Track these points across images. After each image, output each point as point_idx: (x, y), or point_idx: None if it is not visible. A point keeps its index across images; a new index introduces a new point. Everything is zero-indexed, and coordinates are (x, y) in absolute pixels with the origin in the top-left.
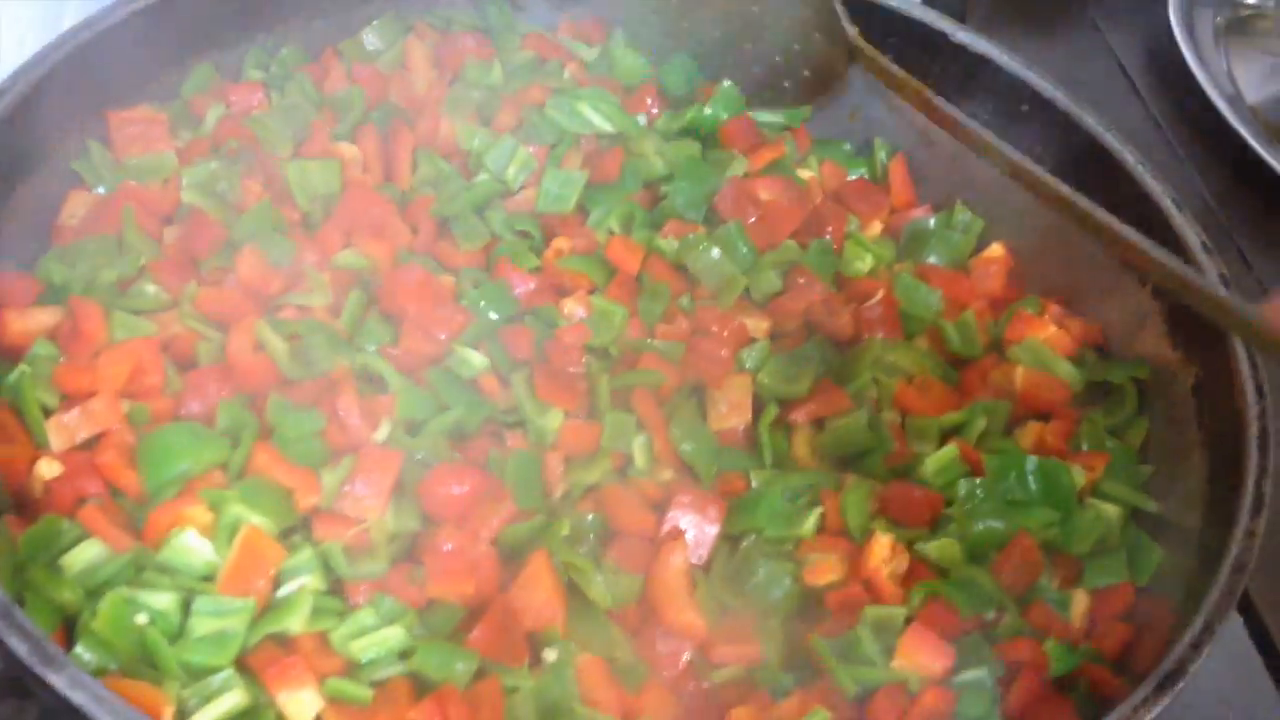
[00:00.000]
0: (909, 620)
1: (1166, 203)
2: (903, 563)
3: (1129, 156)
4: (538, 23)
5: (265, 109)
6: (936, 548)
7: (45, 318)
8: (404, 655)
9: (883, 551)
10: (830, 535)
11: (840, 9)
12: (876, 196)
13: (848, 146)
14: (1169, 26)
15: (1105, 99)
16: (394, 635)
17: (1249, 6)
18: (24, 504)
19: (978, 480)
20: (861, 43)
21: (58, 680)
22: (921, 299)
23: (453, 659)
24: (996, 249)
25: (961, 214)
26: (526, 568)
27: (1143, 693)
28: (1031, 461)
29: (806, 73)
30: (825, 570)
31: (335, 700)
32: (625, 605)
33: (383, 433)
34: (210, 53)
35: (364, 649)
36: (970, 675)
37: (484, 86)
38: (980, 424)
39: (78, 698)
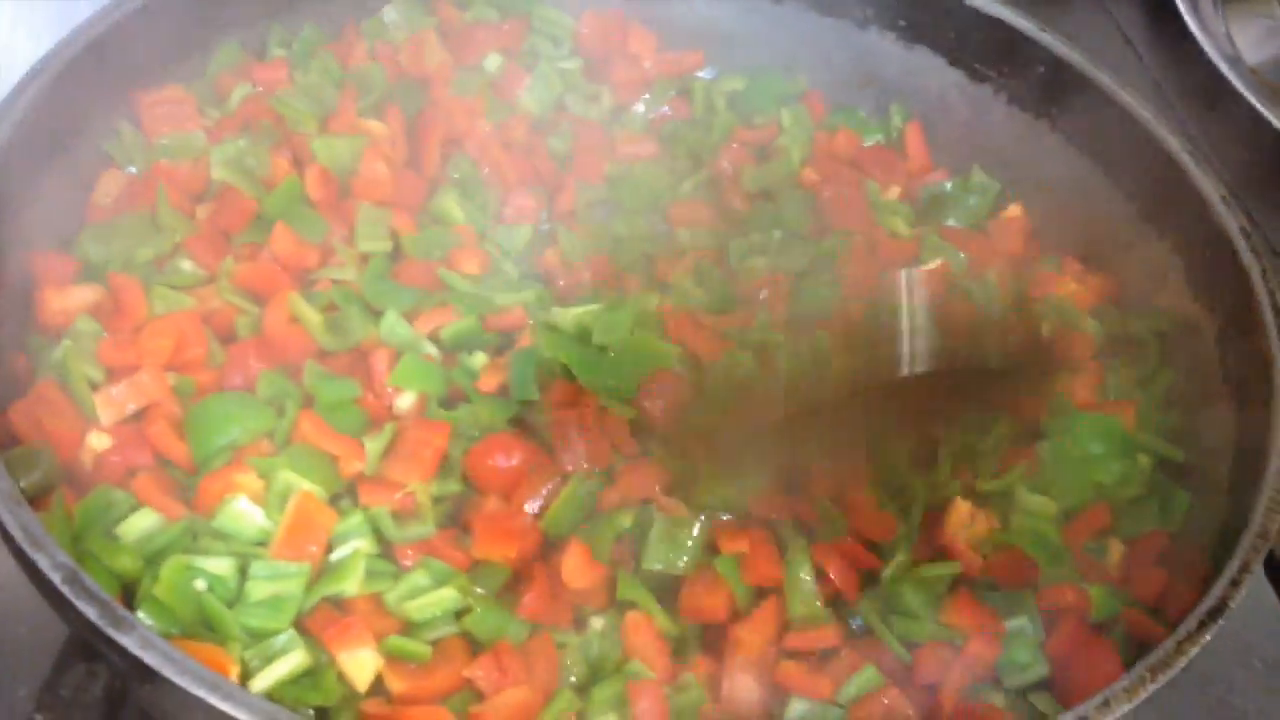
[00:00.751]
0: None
1: (1185, 158)
2: (981, 528)
3: (1146, 114)
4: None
5: (289, 87)
6: (1038, 503)
7: (86, 295)
8: (458, 615)
9: (962, 517)
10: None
11: None
12: (893, 162)
13: (862, 113)
14: None
15: (1109, 65)
16: (448, 596)
17: None
18: (76, 477)
19: (1048, 441)
20: None
21: (128, 641)
22: (949, 260)
23: (506, 621)
24: (1014, 209)
25: (978, 177)
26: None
27: (1185, 630)
28: (1090, 419)
29: None
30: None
31: (393, 658)
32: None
33: (405, 401)
34: (235, 31)
35: (419, 609)
36: (1014, 623)
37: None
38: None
39: (149, 658)
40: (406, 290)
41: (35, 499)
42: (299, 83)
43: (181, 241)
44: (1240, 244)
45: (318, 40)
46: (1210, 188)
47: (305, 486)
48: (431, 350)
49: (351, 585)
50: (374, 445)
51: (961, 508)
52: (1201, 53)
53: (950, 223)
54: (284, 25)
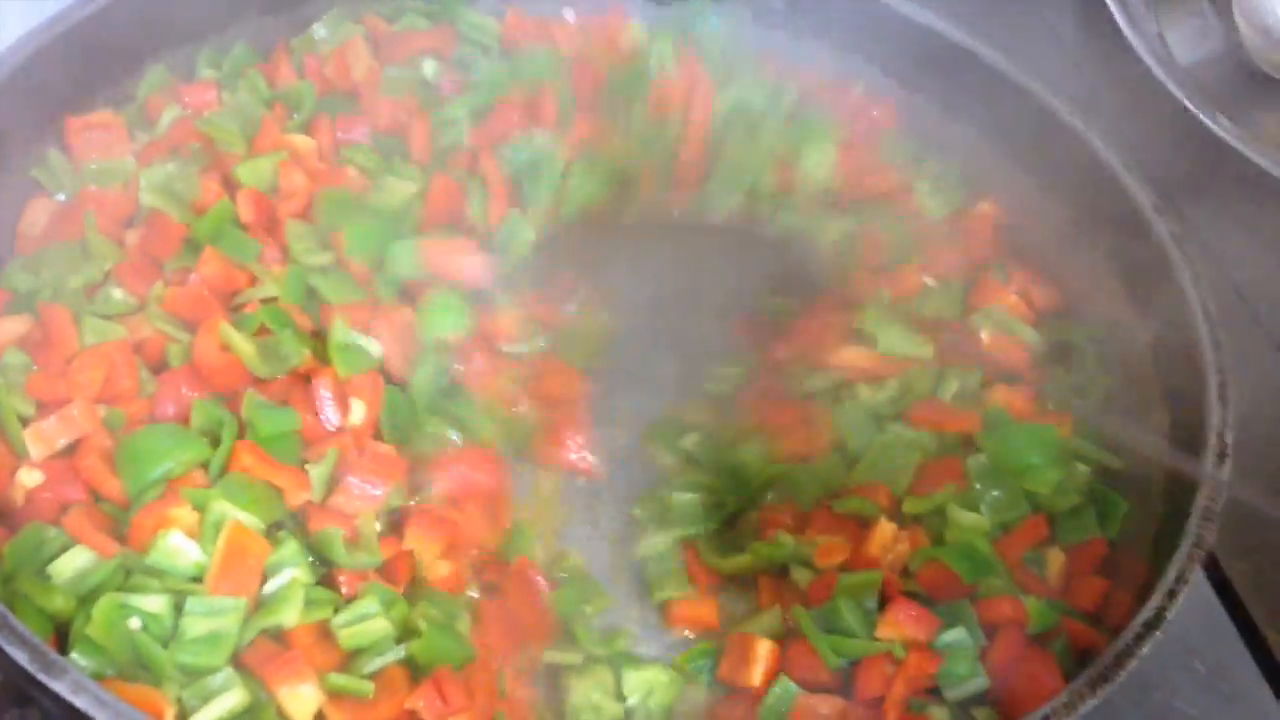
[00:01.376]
0: (888, 586)
1: (1116, 166)
2: (904, 551)
3: (1077, 122)
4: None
5: (217, 108)
6: (971, 520)
7: (15, 326)
8: (399, 641)
9: (884, 539)
10: (838, 517)
11: None
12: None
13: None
14: None
15: (1038, 62)
16: (394, 619)
17: None
18: (6, 514)
19: (982, 455)
20: None
21: (60, 686)
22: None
23: (452, 646)
24: (985, 206)
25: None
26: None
27: (1123, 641)
28: (1026, 429)
29: None
30: (833, 552)
31: (335, 694)
32: None
33: (357, 415)
34: (164, 54)
35: (362, 635)
36: (952, 636)
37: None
38: (953, 385)
39: (80, 702)
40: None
41: None
42: (227, 103)
43: (111, 269)
44: (1172, 250)
45: (247, 60)
46: (1142, 195)
47: (240, 517)
48: (376, 351)
49: (290, 616)
50: (319, 472)
51: (885, 529)
52: (1133, 53)
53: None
54: (214, 47)
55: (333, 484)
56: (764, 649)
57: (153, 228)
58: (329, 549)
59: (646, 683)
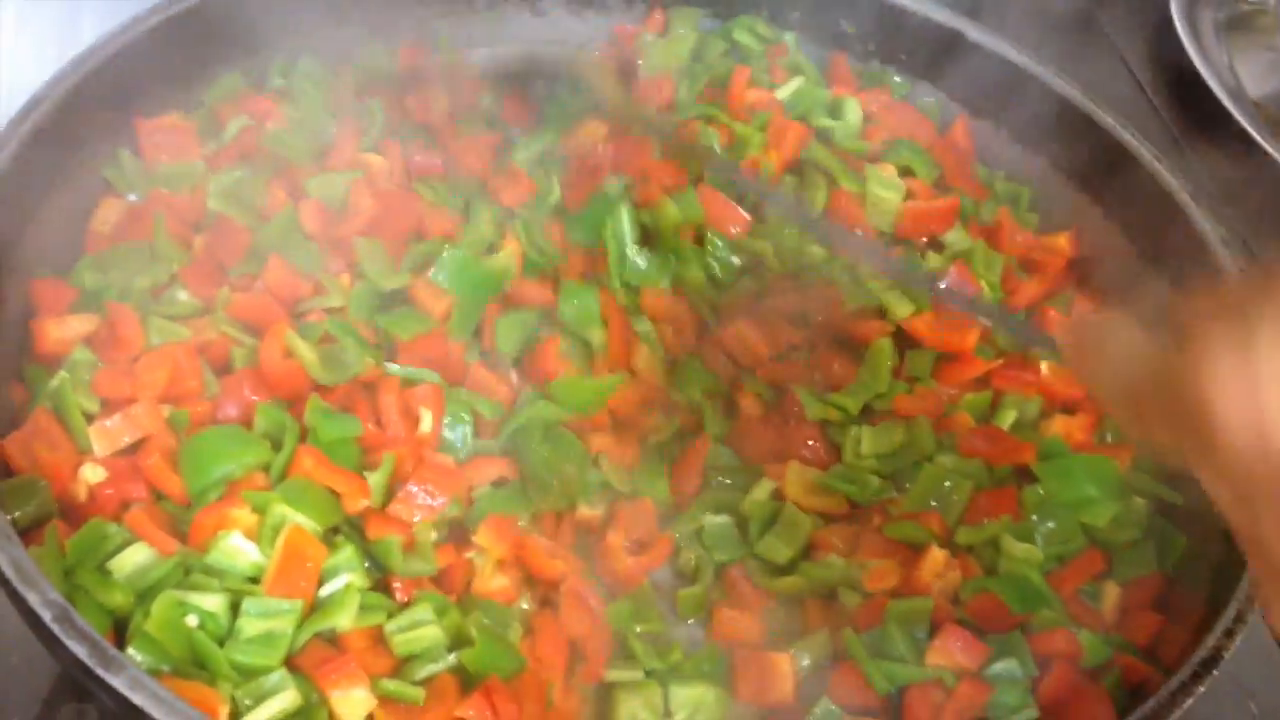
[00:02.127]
0: (939, 614)
1: (1184, 197)
2: (955, 578)
3: (1146, 153)
4: None
5: (282, 121)
6: (1024, 551)
7: (82, 324)
8: (450, 649)
9: (935, 565)
10: (890, 542)
11: None
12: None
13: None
14: (1171, 22)
15: (1110, 96)
16: (448, 627)
17: (1250, 3)
18: (69, 509)
19: (1039, 486)
20: None
21: (117, 682)
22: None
23: (503, 656)
24: (1063, 239)
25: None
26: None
27: (1179, 679)
28: (1084, 460)
29: None
30: (883, 577)
31: (386, 699)
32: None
33: (426, 424)
34: (238, 61)
35: (415, 641)
36: (1003, 666)
37: None
38: (1011, 414)
39: (137, 698)
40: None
41: (28, 531)
42: (292, 118)
43: (178, 271)
44: None
45: (314, 73)
46: (1209, 228)
47: (299, 520)
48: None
49: (345, 620)
50: (377, 479)
51: (936, 556)
52: (1204, 85)
53: None
54: (286, 57)
55: (391, 491)
56: (785, 665)
57: (219, 233)
58: (386, 555)
59: (694, 699)
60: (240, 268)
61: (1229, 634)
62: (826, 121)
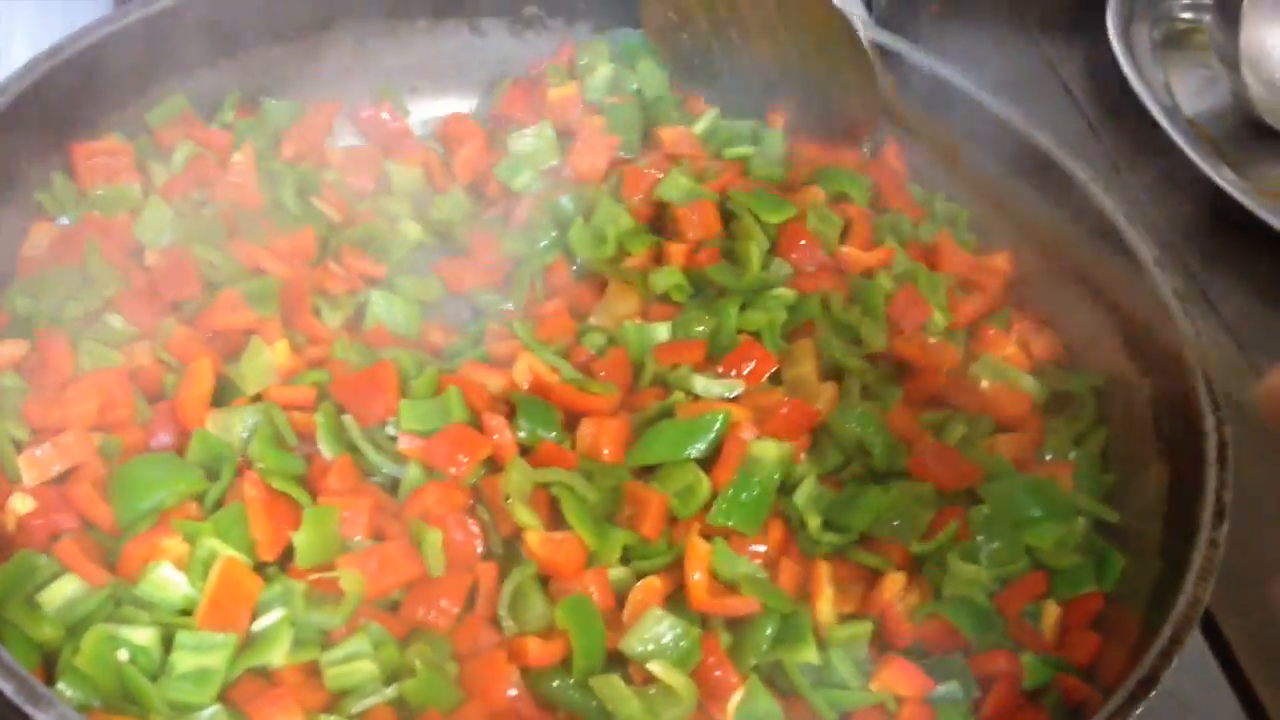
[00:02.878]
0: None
1: (1119, 218)
2: (915, 598)
3: (1080, 172)
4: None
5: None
6: (970, 572)
7: (11, 350)
8: (387, 682)
9: (896, 589)
10: (849, 566)
11: (876, 62)
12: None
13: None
14: (1107, 40)
15: (1046, 111)
16: (377, 665)
17: (1185, 21)
18: None
19: (984, 507)
20: (894, 97)
21: (46, 718)
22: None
23: (444, 690)
24: (1000, 259)
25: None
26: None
27: (1116, 702)
28: (1028, 482)
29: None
30: (844, 599)
31: None
32: None
33: None
34: (178, 83)
35: (347, 676)
36: (945, 689)
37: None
38: (959, 429)
39: None
40: None
41: None
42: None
43: (112, 297)
44: (1174, 306)
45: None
46: (1145, 250)
47: (230, 553)
48: None
49: (278, 655)
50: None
51: (896, 579)
52: (1139, 102)
53: None
54: (226, 75)
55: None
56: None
57: (173, 266)
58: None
59: None
60: (191, 304)
61: (1165, 655)
62: (745, 150)
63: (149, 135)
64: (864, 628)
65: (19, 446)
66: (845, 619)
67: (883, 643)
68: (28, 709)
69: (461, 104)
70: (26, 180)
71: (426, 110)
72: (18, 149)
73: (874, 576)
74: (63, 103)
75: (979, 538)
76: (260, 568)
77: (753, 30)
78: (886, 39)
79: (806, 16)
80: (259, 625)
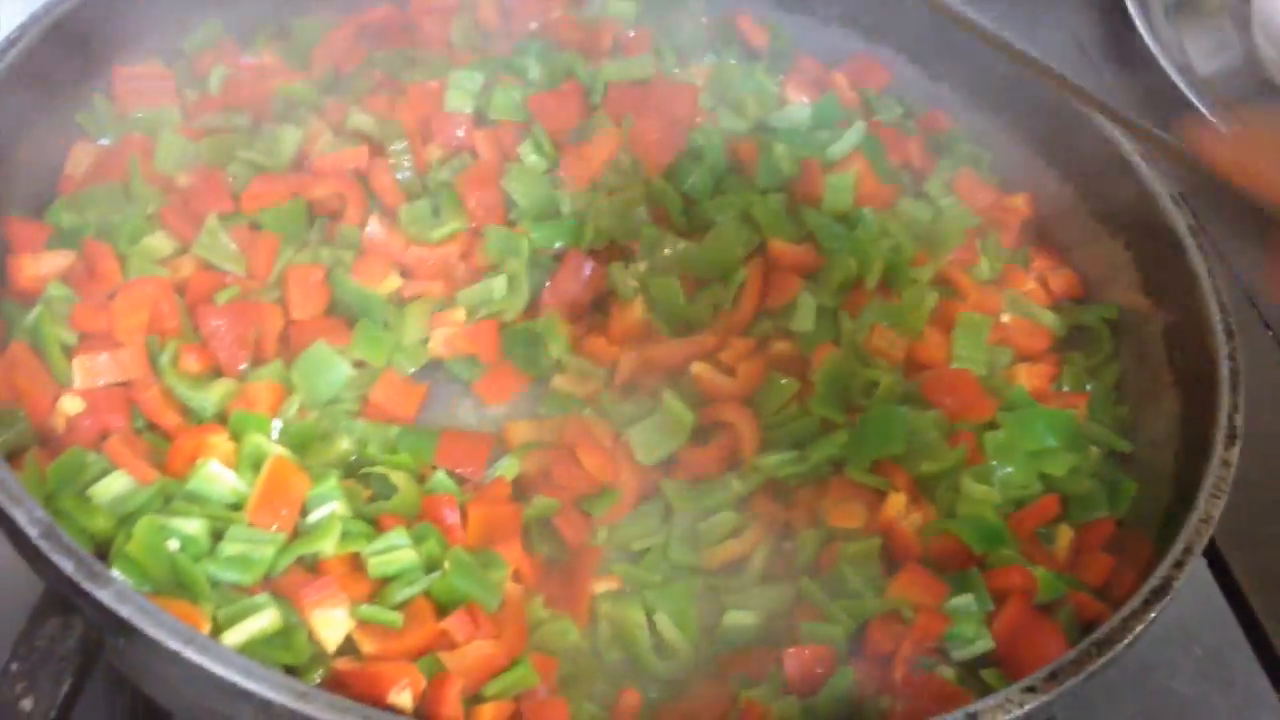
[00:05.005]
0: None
1: (1135, 158)
2: (917, 520)
3: (1097, 116)
4: None
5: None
6: (982, 492)
7: (58, 260)
8: (427, 571)
9: (898, 509)
10: (852, 483)
11: None
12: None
13: None
14: (1124, 3)
15: (1064, 68)
16: (417, 554)
17: None
18: (48, 439)
19: (1000, 434)
20: None
21: (104, 595)
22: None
23: (478, 589)
24: (1020, 199)
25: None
26: None
27: (1130, 607)
28: (1046, 413)
29: None
30: (849, 515)
31: (365, 623)
32: None
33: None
34: (217, 10)
35: (389, 564)
36: (960, 600)
37: None
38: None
39: (125, 611)
40: None
41: (8, 458)
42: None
43: (155, 212)
44: (1188, 241)
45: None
46: (1160, 186)
47: (278, 451)
48: None
49: (327, 547)
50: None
51: (896, 500)
52: (1154, 61)
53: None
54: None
55: None
56: None
57: (203, 181)
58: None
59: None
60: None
61: (1178, 565)
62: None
63: (186, 61)
64: (873, 542)
65: (68, 352)
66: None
67: (891, 560)
68: (86, 586)
69: None
70: (67, 102)
71: None
72: (56, 71)
73: (875, 498)
74: (102, 26)
75: (993, 462)
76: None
77: None
78: None
79: None
80: (311, 519)
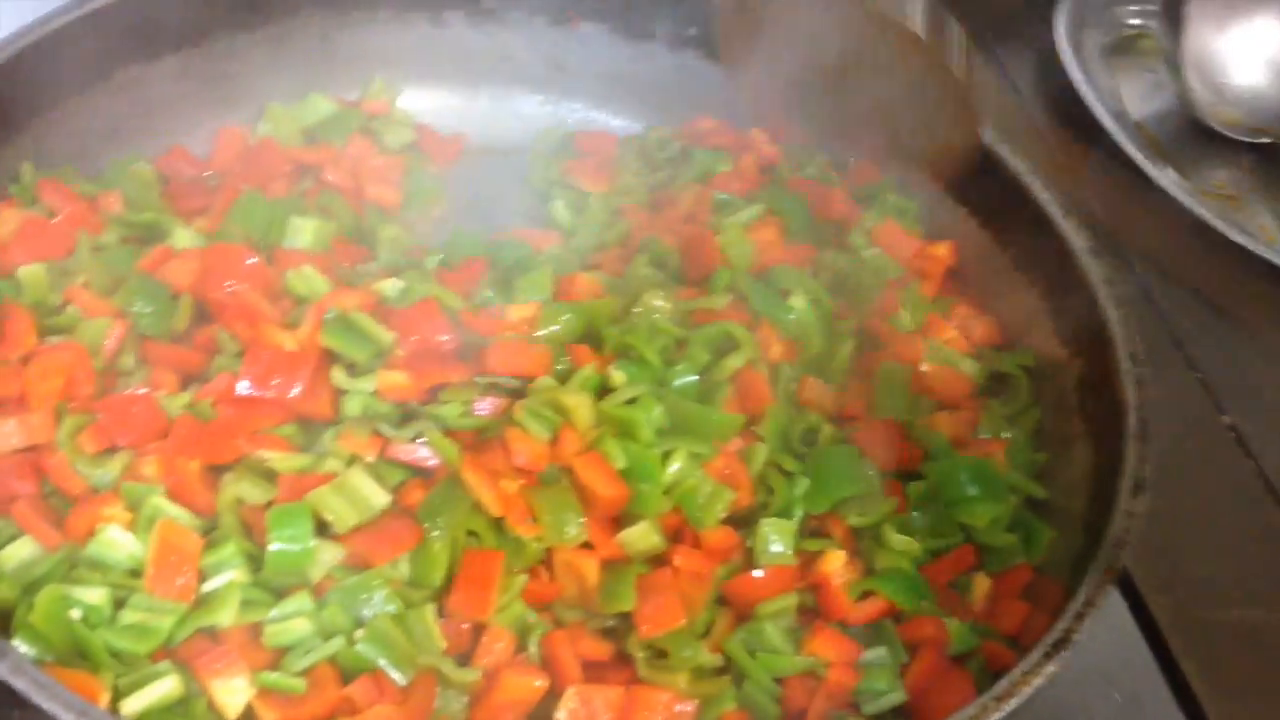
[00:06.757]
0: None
1: (1054, 209)
2: (853, 575)
3: (1020, 165)
4: None
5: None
6: (904, 543)
7: None
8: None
9: (836, 567)
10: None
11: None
12: None
13: None
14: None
15: (996, 113)
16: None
17: (1133, 27)
18: None
19: (923, 484)
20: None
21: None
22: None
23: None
24: (943, 248)
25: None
26: None
27: (1032, 659)
28: (968, 462)
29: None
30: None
31: (266, 691)
32: None
33: None
34: None
35: (286, 634)
36: (873, 654)
37: None
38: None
39: (19, 683)
40: None
41: None
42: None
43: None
44: (1102, 293)
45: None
46: (1077, 239)
47: (169, 514)
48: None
49: (226, 617)
50: None
51: (835, 557)
52: (1086, 106)
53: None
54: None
55: None
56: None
57: None
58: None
59: None
60: None
61: (1079, 617)
62: None
63: None
64: (789, 600)
65: None
66: None
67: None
68: None
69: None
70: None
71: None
72: None
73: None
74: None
75: (914, 513)
76: (207, 531)
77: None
78: None
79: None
80: (208, 587)
